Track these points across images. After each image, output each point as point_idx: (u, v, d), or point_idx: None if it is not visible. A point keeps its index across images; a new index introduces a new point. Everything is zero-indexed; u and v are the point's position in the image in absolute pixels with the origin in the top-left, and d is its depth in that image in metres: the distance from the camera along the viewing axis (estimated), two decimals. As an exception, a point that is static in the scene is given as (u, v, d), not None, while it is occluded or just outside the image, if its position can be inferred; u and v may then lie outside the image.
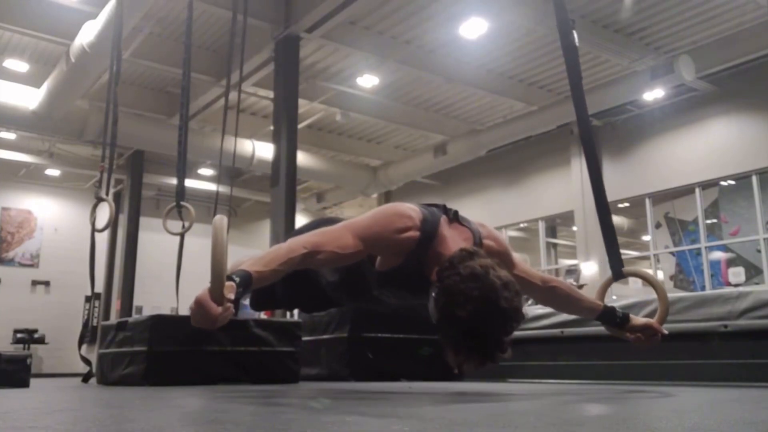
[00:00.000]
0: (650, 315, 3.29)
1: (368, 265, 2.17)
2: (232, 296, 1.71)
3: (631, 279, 12.53)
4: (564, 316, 3.63)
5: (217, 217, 1.86)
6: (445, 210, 2.18)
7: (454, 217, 2.18)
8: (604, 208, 3.01)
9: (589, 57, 10.11)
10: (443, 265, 1.88)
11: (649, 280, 2.85)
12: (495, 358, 1.80)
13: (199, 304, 1.68)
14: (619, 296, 11.03)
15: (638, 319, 2.56)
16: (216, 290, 1.67)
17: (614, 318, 2.53)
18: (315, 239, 2.00)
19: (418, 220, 2.07)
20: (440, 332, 1.85)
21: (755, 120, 10.13)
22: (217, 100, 11.53)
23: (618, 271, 2.85)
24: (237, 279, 1.76)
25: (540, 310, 3.89)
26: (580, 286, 10.29)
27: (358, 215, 2.23)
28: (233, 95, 11.81)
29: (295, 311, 4.61)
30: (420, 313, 4.50)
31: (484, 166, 12.90)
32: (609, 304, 2.59)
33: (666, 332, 2.55)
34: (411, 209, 2.11)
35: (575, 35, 3.17)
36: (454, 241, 2.06)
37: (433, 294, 1.87)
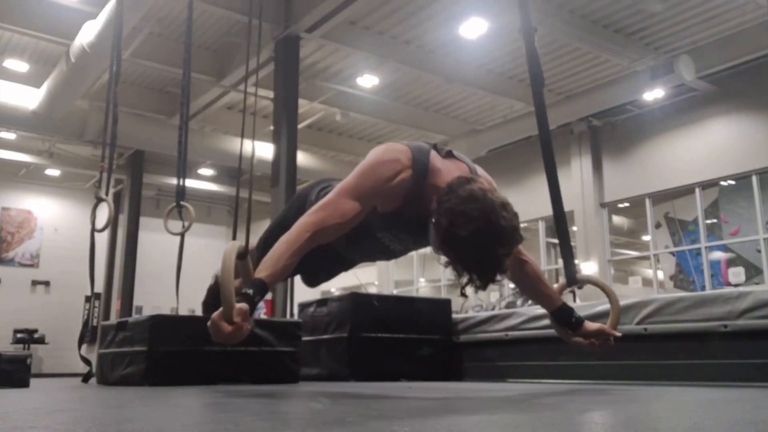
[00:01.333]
0: (649, 315, 3.30)
1: (370, 210, 2.16)
2: (239, 319, 1.80)
3: (631, 280, 12.48)
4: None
5: (230, 243, 2.00)
6: (435, 147, 2.18)
7: (448, 153, 2.18)
8: (561, 217, 3.12)
9: (589, 57, 10.12)
10: (442, 192, 1.93)
11: (600, 286, 2.89)
12: (495, 278, 1.87)
13: (212, 325, 1.81)
14: (619, 296, 11.02)
15: (591, 324, 2.54)
16: (226, 313, 1.80)
17: (570, 318, 2.52)
18: (314, 218, 2.02)
19: (407, 159, 2.07)
20: (443, 255, 1.90)
21: (755, 120, 10.13)
22: (217, 100, 11.55)
23: (572, 277, 2.93)
24: (251, 292, 1.87)
25: (540, 310, 3.89)
26: (581, 287, 10.27)
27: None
28: (233, 95, 11.84)
29: (295, 311, 4.61)
30: (420, 312, 4.51)
31: (484, 166, 12.66)
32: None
33: (619, 334, 2.53)
34: (398, 151, 2.10)
35: (536, 40, 3.24)
36: (449, 171, 2.06)
37: (434, 219, 1.92)
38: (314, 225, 2.00)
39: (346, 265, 2.68)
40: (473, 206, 1.84)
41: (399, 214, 2.12)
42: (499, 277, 1.89)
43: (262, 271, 1.91)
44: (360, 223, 2.16)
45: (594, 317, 3.49)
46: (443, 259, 1.93)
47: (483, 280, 1.87)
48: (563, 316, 2.54)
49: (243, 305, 1.82)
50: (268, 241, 2.70)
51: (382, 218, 2.16)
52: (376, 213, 2.15)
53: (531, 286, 2.55)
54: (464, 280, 1.87)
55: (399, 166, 2.06)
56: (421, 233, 2.14)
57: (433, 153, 2.13)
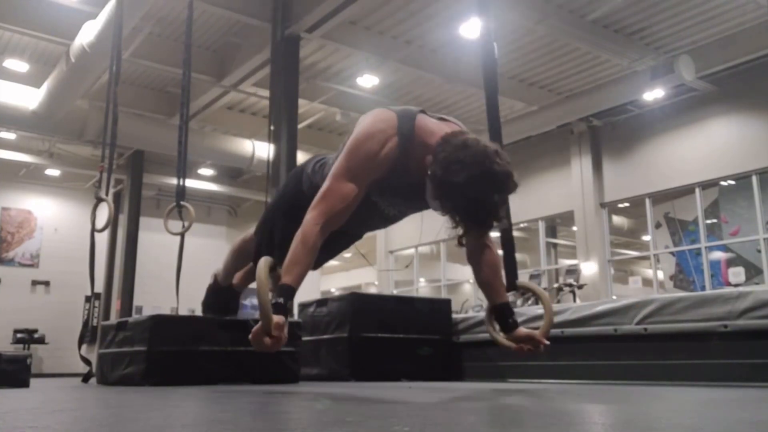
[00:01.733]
0: (649, 315, 3.30)
1: None
2: (278, 333, 1.96)
3: (631, 280, 12.48)
4: (564, 316, 3.62)
5: (261, 260, 2.10)
6: (423, 112, 2.22)
7: (440, 118, 2.23)
8: (509, 229, 3.18)
9: (589, 57, 10.12)
10: (436, 145, 1.99)
11: (536, 293, 2.91)
12: (491, 224, 1.95)
13: (254, 339, 1.98)
14: (619, 296, 11.04)
15: (524, 330, 2.53)
16: (266, 327, 1.97)
17: (508, 317, 2.51)
18: (320, 209, 2.09)
19: (392, 128, 2.12)
20: (440, 206, 1.96)
21: (755, 120, 10.13)
22: (217, 100, 11.55)
23: (512, 282, 2.97)
24: (282, 300, 2.00)
25: (540, 310, 3.89)
26: (581, 286, 10.29)
27: None
28: (233, 95, 11.83)
29: (295, 311, 4.61)
30: (420, 312, 4.50)
31: (484, 166, 12.87)
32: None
33: (548, 343, 2.51)
34: (382, 120, 2.15)
35: (495, 47, 3.27)
36: (440, 129, 2.10)
37: (429, 172, 1.97)
38: (322, 216, 2.07)
39: (344, 241, 2.69)
40: (467, 153, 1.90)
41: (389, 179, 2.17)
42: (495, 224, 1.96)
43: (287, 276, 2.02)
44: None
45: (594, 317, 3.50)
46: (440, 210, 1.99)
47: (479, 228, 1.96)
48: (503, 314, 2.52)
49: (280, 318, 1.96)
50: (265, 223, 2.74)
51: (376, 184, 2.21)
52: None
53: (486, 274, 2.52)
54: (461, 229, 1.95)
55: (384, 136, 2.10)
56: (412, 196, 2.22)
57: (421, 116, 2.17)
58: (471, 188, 1.88)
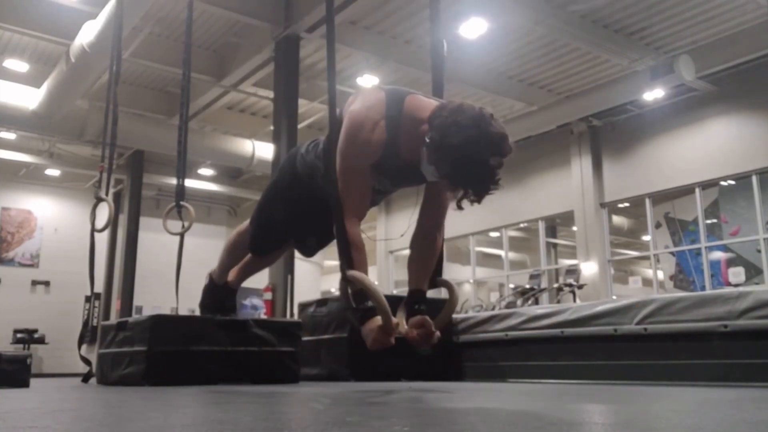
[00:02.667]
0: (649, 315, 3.30)
1: None
2: (399, 329, 2.14)
3: (631, 280, 12.46)
4: (564, 316, 3.63)
5: (356, 273, 2.15)
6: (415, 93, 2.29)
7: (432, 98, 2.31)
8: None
9: (589, 57, 10.12)
10: (432, 113, 2.05)
11: (448, 287, 2.62)
12: (488, 188, 1.97)
13: (378, 340, 2.12)
14: (619, 296, 11.04)
15: (422, 318, 2.34)
16: (387, 326, 2.10)
17: (416, 304, 2.37)
18: (348, 205, 2.19)
19: (379, 111, 2.18)
20: (437, 172, 2.01)
21: (755, 120, 10.13)
22: (217, 100, 11.55)
23: (433, 279, 2.96)
24: (369, 303, 2.15)
25: (540, 310, 3.89)
26: (581, 286, 10.28)
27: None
28: (233, 95, 11.81)
29: (295, 311, 4.61)
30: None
31: (484, 166, 12.86)
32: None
33: (435, 338, 2.33)
34: (369, 107, 2.21)
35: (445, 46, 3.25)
36: (431, 103, 2.17)
37: (427, 139, 2.02)
38: (353, 211, 2.20)
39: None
40: (463, 116, 1.96)
41: (380, 160, 2.22)
42: (493, 187, 1.98)
43: (366, 273, 2.17)
44: None
45: (594, 317, 3.50)
46: (436, 175, 2.03)
47: (477, 191, 1.97)
48: (413, 299, 2.40)
49: (394, 319, 2.12)
50: (262, 210, 2.78)
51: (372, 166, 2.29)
52: None
53: (421, 259, 2.47)
54: (460, 193, 1.98)
55: (372, 123, 2.17)
56: (400, 175, 2.30)
57: (412, 96, 2.23)
58: (468, 149, 1.92)
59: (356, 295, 2.16)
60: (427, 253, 2.47)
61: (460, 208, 2.03)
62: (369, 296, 2.11)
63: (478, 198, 1.97)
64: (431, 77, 3.01)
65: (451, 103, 2.06)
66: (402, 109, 2.17)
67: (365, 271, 2.17)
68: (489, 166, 1.94)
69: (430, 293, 2.57)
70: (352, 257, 2.16)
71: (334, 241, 2.28)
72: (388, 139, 2.16)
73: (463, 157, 1.94)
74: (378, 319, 2.12)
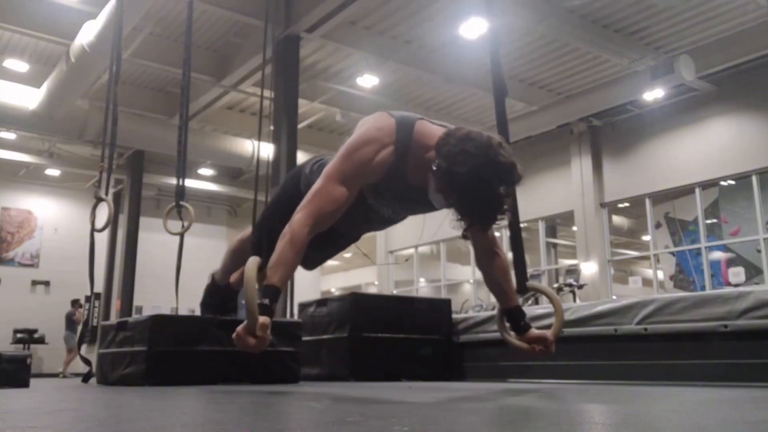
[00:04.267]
0: (649, 315, 3.30)
1: None
2: (261, 333, 1.92)
3: (631, 280, 12.45)
4: (564, 316, 3.63)
5: (250, 260, 2.08)
6: (423, 118, 2.22)
7: (441, 125, 2.21)
8: (515, 224, 3.19)
9: (589, 57, 10.12)
10: (439, 139, 1.99)
11: (548, 295, 2.93)
12: (496, 216, 1.93)
13: (237, 338, 1.94)
14: (619, 296, 11.04)
15: (535, 331, 2.56)
16: (251, 326, 1.93)
17: (520, 320, 2.54)
18: (309, 210, 2.07)
19: (389, 136, 2.11)
20: (444, 200, 1.96)
21: (755, 120, 10.13)
22: (217, 100, 11.55)
23: (522, 284, 2.99)
24: (267, 301, 1.97)
25: (540, 310, 3.89)
26: (581, 286, 10.28)
27: None
28: (233, 95, 11.81)
29: (295, 311, 4.61)
30: (420, 312, 4.50)
31: (484, 166, 12.87)
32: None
33: (554, 349, 2.54)
34: (379, 129, 2.14)
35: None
36: (439, 131, 2.09)
37: (434, 167, 1.97)
38: (311, 217, 2.06)
39: (342, 241, 2.70)
40: (471, 144, 1.90)
41: (385, 183, 2.17)
42: (500, 217, 1.94)
43: (273, 277, 2.00)
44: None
45: (594, 317, 3.50)
46: (444, 204, 1.98)
47: (484, 220, 1.94)
48: (514, 317, 2.55)
49: (265, 319, 1.93)
50: (263, 222, 2.74)
51: (371, 188, 2.22)
52: (365, 184, 2.22)
53: (496, 279, 2.56)
54: (467, 222, 1.94)
55: (379, 145, 2.10)
56: (409, 199, 2.23)
57: (420, 122, 2.16)
58: (475, 178, 1.88)
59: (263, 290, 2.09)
60: (499, 270, 2.51)
61: (465, 237, 2.00)
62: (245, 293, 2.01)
63: (485, 227, 1.94)
64: (491, 73, 3.00)
65: (459, 130, 2.00)
66: (412, 135, 2.12)
67: (281, 271, 2.01)
68: (497, 195, 1.90)
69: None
70: (275, 252, 2.05)
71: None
72: (395, 163, 2.11)
73: (470, 187, 1.89)
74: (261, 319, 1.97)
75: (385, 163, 2.10)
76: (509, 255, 2.67)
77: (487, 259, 2.50)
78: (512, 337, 2.58)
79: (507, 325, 2.61)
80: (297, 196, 2.50)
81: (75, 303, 13.54)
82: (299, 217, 2.07)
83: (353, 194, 2.12)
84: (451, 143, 1.94)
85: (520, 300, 2.98)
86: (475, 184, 1.88)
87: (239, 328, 1.94)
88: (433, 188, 2.02)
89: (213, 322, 3.35)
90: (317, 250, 2.76)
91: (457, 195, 1.93)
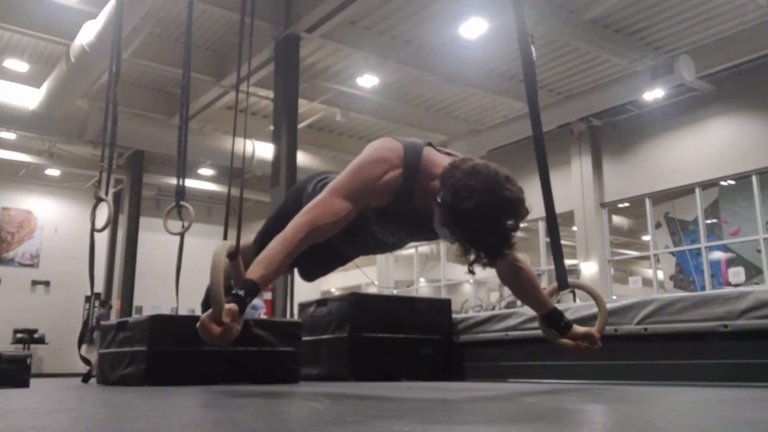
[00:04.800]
0: (649, 315, 3.30)
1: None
2: (228, 319, 1.79)
3: (631, 280, 12.45)
4: (565, 317, 3.63)
5: (220, 243, 2.00)
6: (430, 145, 2.18)
7: (447, 153, 2.17)
8: (553, 222, 3.16)
9: (589, 57, 10.12)
10: (444, 170, 1.92)
11: (589, 292, 2.94)
12: (502, 252, 1.87)
13: (201, 326, 1.81)
14: (619, 296, 11.04)
15: (579, 328, 2.58)
16: (215, 314, 1.79)
17: (560, 321, 2.55)
18: (307, 218, 2.01)
19: (398, 158, 2.07)
20: (449, 234, 1.90)
21: (755, 120, 10.13)
22: (217, 100, 11.55)
23: (563, 282, 2.95)
24: (242, 293, 1.84)
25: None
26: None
27: None
28: (233, 95, 11.80)
29: (295, 311, 4.61)
30: (420, 312, 4.50)
31: (484, 166, 12.88)
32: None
33: (600, 344, 2.58)
34: (389, 150, 2.09)
35: (533, 50, 3.27)
36: (445, 160, 2.04)
37: (439, 199, 1.90)
38: (308, 225, 1.98)
39: (343, 259, 2.69)
40: (477, 178, 1.84)
41: (390, 208, 2.13)
42: (506, 251, 1.89)
43: (255, 272, 1.89)
44: (355, 220, 2.15)
45: (594, 317, 3.49)
46: (449, 238, 1.92)
47: (490, 255, 1.87)
48: (553, 320, 2.57)
49: (233, 306, 1.80)
50: (265, 235, 2.71)
51: (375, 213, 2.18)
52: (369, 208, 2.16)
53: (526, 291, 2.57)
54: (472, 257, 1.86)
55: (388, 165, 2.05)
56: (414, 226, 2.18)
57: (427, 149, 2.13)
58: (481, 215, 1.81)
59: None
60: (527, 282, 2.51)
61: (471, 272, 1.97)
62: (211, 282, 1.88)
63: (491, 262, 1.88)
64: (522, 73, 2.97)
65: (464, 162, 1.92)
66: (420, 161, 2.07)
67: (264, 270, 1.90)
68: (504, 230, 1.84)
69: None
70: (261, 254, 1.98)
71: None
72: (402, 187, 2.06)
73: (476, 223, 1.83)
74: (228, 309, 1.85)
75: (392, 186, 2.05)
76: (528, 267, 2.63)
77: (511, 274, 2.47)
78: (557, 337, 2.58)
79: (550, 328, 2.61)
80: (298, 211, 2.50)
81: (105, 304, 13.54)
82: (296, 222, 2.02)
83: (354, 211, 2.05)
84: (457, 176, 1.87)
85: (557, 297, 2.97)
86: (481, 220, 1.82)
87: (203, 315, 1.81)
88: (437, 220, 1.97)
89: (213, 322, 3.35)
90: (319, 265, 2.76)
91: (462, 231, 1.87)
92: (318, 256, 2.60)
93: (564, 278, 2.95)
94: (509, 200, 1.84)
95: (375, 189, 2.06)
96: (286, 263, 1.95)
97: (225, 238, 2.14)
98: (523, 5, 3.15)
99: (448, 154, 2.17)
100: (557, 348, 2.60)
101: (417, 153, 2.09)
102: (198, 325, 1.81)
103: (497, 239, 1.86)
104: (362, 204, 2.09)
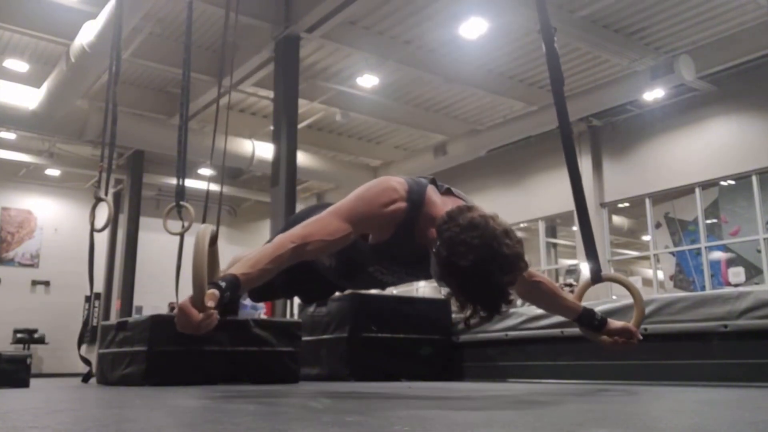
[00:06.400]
0: (649, 315, 3.30)
1: (361, 241, 2.12)
2: (212, 304, 1.71)
3: (631, 279, 12.48)
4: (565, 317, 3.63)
5: (202, 226, 1.93)
6: (434, 182, 2.14)
7: (447, 190, 2.14)
8: (584, 216, 3.12)
9: (589, 57, 10.12)
10: (441, 221, 1.86)
11: (625, 285, 2.90)
12: (500, 308, 1.81)
13: (180, 311, 1.71)
14: (619, 296, 11.04)
15: (615, 323, 2.55)
16: (197, 298, 1.71)
17: (593, 320, 2.53)
18: (302, 231, 1.96)
19: (403, 191, 2.03)
20: (444, 286, 1.85)
21: (755, 120, 10.13)
22: (217, 100, 11.54)
23: (597, 275, 2.95)
24: (223, 284, 1.76)
25: (540, 310, 3.89)
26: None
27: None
28: (233, 95, 11.78)
29: (295, 311, 4.61)
30: (420, 312, 4.50)
31: (484, 166, 12.89)
32: (588, 307, 2.58)
33: (641, 337, 2.56)
34: (396, 182, 2.06)
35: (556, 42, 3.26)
36: (446, 205, 1.99)
37: (434, 249, 1.85)
38: (300, 238, 1.93)
39: (331, 288, 2.69)
40: (474, 234, 1.76)
41: (390, 244, 2.08)
42: (504, 308, 1.83)
43: (239, 269, 1.83)
44: (352, 259, 2.14)
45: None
46: (445, 290, 1.87)
47: (488, 311, 1.81)
48: (587, 320, 2.54)
49: (215, 290, 1.73)
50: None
51: (374, 250, 2.13)
52: (367, 245, 2.12)
53: (548, 303, 2.57)
54: (468, 311, 1.81)
55: (396, 195, 2.02)
56: (413, 264, 2.14)
57: (431, 187, 2.09)
58: (478, 272, 1.76)
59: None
60: (549, 294, 2.49)
61: (468, 326, 1.93)
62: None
63: (488, 317, 1.83)
64: (547, 67, 2.96)
65: (461, 214, 1.84)
66: (424, 199, 2.03)
67: (248, 269, 1.83)
68: (500, 286, 1.79)
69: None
70: (246, 256, 1.95)
71: None
72: (405, 222, 2.02)
73: (471, 280, 1.77)
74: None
75: (397, 218, 2.01)
76: (546, 277, 2.62)
77: (531, 289, 2.43)
78: (596, 336, 2.56)
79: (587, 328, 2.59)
80: None
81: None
82: (290, 232, 1.97)
83: (351, 236, 1.99)
84: (454, 230, 1.79)
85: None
86: (477, 277, 1.77)
87: (182, 300, 1.73)
88: (433, 270, 1.91)
89: (213, 322, 3.35)
90: (318, 292, 2.78)
91: (457, 287, 1.82)
92: (317, 289, 2.64)
93: (597, 272, 2.94)
94: (506, 257, 1.76)
95: (379, 217, 2.01)
96: (270, 270, 1.88)
97: (216, 231, 2.11)
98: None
99: (448, 191, 2.13)
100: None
101: (421, 191, 2.05)
102: (176, 310, 1.72)
103: (494, 296, 1.80)
104: (361, 230, 2.04)
